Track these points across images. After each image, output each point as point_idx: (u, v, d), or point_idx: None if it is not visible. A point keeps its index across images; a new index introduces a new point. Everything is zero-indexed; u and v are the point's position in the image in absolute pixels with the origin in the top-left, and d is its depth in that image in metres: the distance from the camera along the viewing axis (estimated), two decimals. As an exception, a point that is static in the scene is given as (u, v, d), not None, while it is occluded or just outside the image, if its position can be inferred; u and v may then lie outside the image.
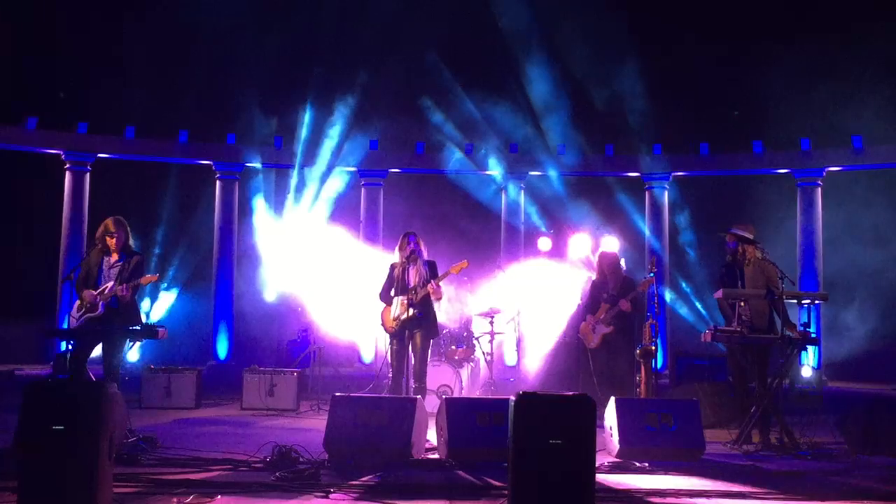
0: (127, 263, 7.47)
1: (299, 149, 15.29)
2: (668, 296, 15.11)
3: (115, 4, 14.56)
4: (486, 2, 14.76)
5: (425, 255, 8.41)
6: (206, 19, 14.43)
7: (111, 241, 7.48)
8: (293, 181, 15.47)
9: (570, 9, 14.40)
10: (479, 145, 15.39)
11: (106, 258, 7.52)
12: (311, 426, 8.45)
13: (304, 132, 15.19)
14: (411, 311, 8.09)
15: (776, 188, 15.52)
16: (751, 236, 7.95)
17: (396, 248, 8.51)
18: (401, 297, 8.21)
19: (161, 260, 15.59)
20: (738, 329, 7.60)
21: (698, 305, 15.67)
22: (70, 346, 7.43)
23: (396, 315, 8.22)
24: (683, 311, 15.67)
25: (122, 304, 7.40)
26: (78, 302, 7.48)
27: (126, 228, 7.59)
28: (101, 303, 7.38)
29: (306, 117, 15.09)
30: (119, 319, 7.35)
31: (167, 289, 15.48)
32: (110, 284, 7.38)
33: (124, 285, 7.33)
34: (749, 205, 14.92)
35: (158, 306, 15.02)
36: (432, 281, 8.18)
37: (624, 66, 14.59)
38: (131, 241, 7.67)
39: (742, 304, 7.67)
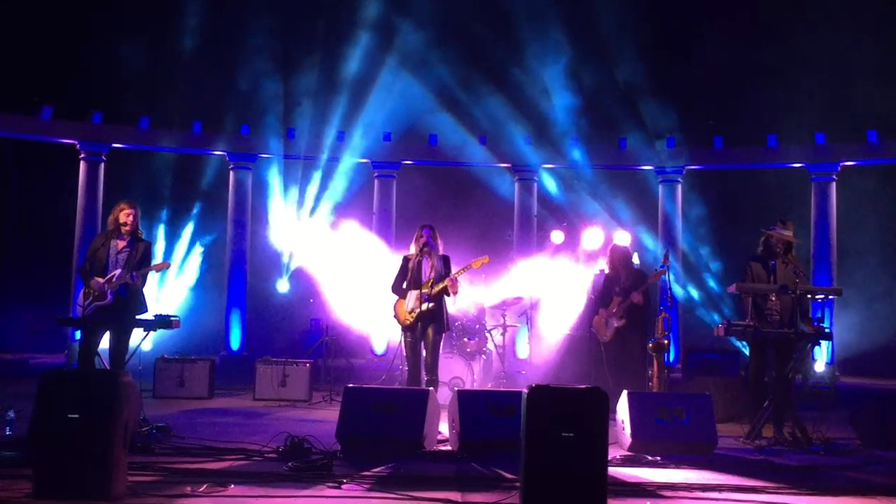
0: (135, 250, 7.37)
1: (313, 140, 15.28)
2: (680, 290, 15.03)
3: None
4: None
5: (440, 250, 8.36)
6: (221, 12, 14.49)
7: (126, 223, 7.34)
8: (307, 172, 15.46)
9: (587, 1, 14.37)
10: (493, 137, 15.35)
11: (113, 243, 7.38)
12: (324, 417, 8.49)
13: (317, 124, 15.17)
14: (426, 304, 8.10)
15: (790, 181, 15.39)
16: (793, 237, 7.90)
17: (412, 241, 8.48)
18: (416, 291, 8.20)
19: (175, 249, 15.62)
20: (751, 324, 7.60)
21: (708, 300, 15.57)
22: (81, 336, 7.41)
23: (411, 308, 8.20)
24: (695, 304, 15.58)
25: (130, 293, 7.33)
26: (84, 289, 7.34)
27: (138, 212, 7.49)
28: (109, 291, 7.24)
29: (320, 109, 15.07)
30: (127, 308, 7.30)
31: (181, 278, 15.51)
32: (118, 272, 7.26)
33: (134, 273, 7.23)
34: (762, 198, 14.81)
35: (172, 296, 15.05)
36: (451, 275, 8.15)
37: (637, 58, 14.52)
38: (140, 228, 7.55)
39: (773, 298, 7.64)
